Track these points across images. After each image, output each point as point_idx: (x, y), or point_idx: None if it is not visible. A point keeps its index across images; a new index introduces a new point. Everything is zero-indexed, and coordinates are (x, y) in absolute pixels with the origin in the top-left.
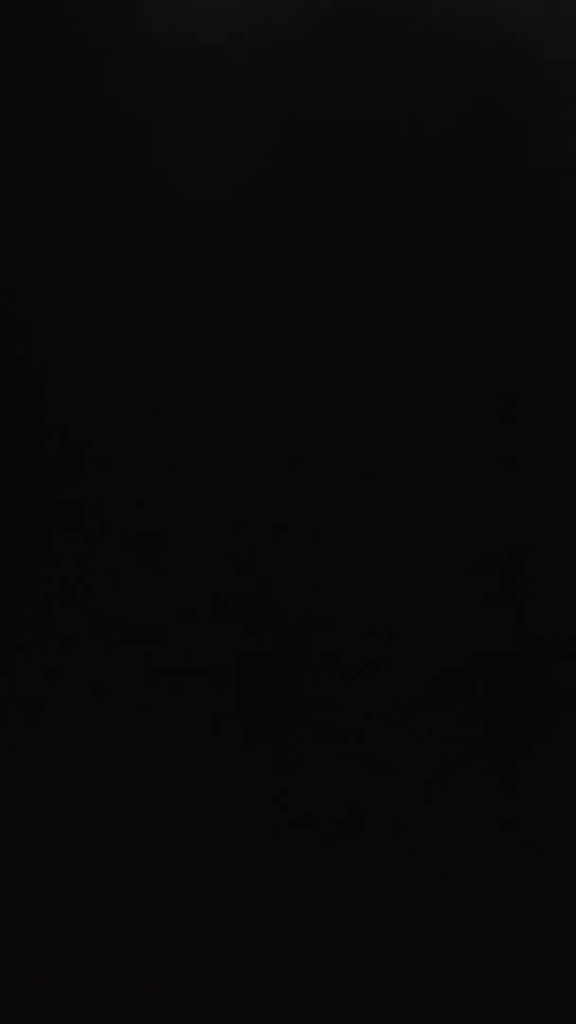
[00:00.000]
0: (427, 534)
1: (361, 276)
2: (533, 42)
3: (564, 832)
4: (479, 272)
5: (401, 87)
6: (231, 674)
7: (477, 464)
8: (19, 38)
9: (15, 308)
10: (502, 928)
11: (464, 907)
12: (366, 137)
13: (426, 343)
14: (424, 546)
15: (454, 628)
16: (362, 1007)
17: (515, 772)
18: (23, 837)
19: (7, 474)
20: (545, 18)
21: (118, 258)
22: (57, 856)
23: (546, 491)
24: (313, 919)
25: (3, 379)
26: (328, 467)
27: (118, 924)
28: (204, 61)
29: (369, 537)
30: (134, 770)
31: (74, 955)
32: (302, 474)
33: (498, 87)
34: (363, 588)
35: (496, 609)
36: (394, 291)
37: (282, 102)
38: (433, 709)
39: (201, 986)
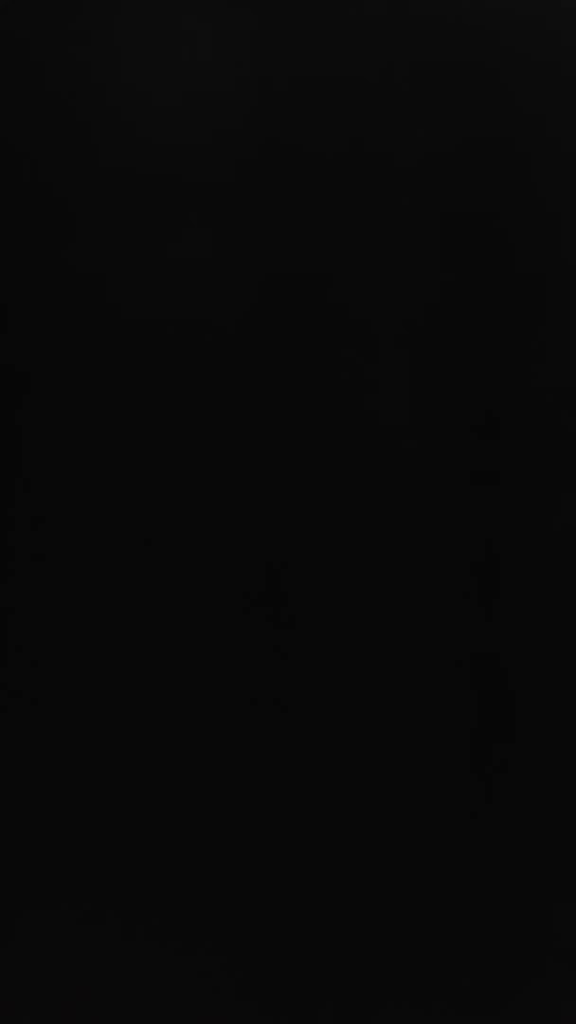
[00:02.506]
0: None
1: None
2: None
3: (559, 827)
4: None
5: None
6: (225, 669)
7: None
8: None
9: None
10: (499, 926)
11: (462, 906)
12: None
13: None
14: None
15: (435, 621)
16: (362, 1005)
17: (506, 765)
18: (17, 825)
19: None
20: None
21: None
22: (54, 850)
23: (525, 476)
24: (311, 919)
25: None
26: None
27: (115, 917)
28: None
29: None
30: (132, 767)
31: (70, 943)
32: (295, 461)
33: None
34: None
35: (474, 609)
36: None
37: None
38: (417, 706)
39: (199, 982)
